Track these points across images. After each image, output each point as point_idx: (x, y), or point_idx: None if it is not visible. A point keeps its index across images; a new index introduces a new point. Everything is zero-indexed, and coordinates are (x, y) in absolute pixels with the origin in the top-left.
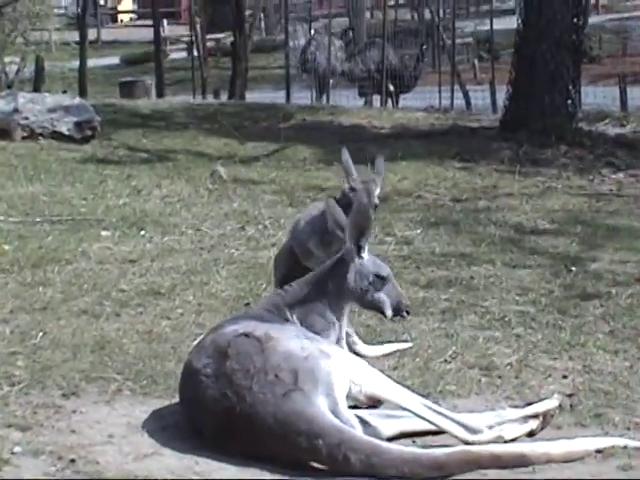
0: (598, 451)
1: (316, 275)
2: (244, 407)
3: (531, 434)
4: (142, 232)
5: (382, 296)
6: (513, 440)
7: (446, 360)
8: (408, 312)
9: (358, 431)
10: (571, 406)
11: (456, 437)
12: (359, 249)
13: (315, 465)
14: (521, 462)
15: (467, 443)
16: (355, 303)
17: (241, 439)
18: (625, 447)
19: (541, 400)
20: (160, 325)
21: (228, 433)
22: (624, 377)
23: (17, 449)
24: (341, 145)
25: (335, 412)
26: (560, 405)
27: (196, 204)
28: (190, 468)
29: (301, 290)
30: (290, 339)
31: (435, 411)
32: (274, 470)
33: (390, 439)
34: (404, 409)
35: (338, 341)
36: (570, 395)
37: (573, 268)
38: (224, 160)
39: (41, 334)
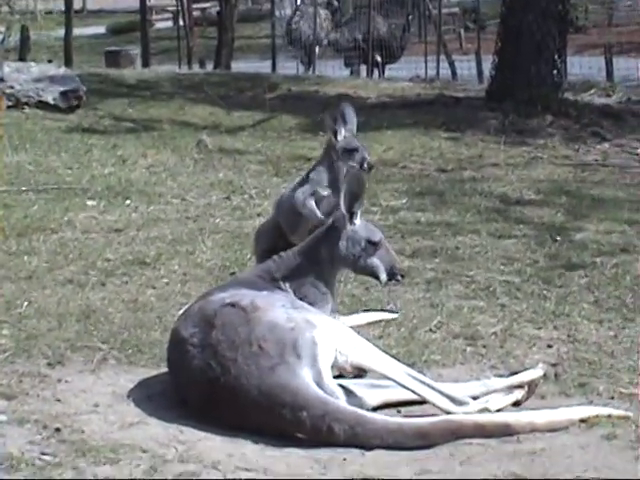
0: (582, 420)
1: (308, 243)
2: (228, 379)
3: (516, 404)
4: (127, 201)
5: (375, 261)
6: (498, 411)
7: (431, 329)
8: (403, 276)
9: (342, 402)
10: (556, 375)
11: (440, 408)
12: (351, 215)
13: (299, 436)
14: (505, 431)
15: (449, 414)
16: (348, 269)
17: (225, 410)
18: (609, 416)
19: (526, 370)
20: (145, 294)
21: (213, 404)
22: (608, 347)
23: (2, 418)
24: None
25: (319, 383)
26: (545, 374)
27: (182, 174)
28: (175, 437)
29: (294, 258)
30: (276, 309)
31: (421, 382)
32: (259, 440)
33: (375, 409)
34: (390, 379)
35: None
36: (555, 364)
37: (558, 238)
38: (210, 130)
39: (26, 303)
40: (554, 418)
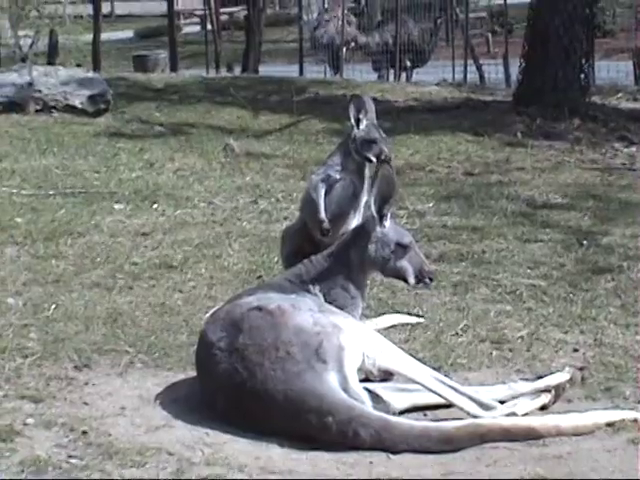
0: (609, 424)
1: (338, 246)
2: (255, 383)
3: (543, 408)
4: (155, 205)
5: (405, 264)
6: (525, 415)
7: (457, 333)
8: (431, 279)
9: (368, 406)
10: (582, 379)
11: (467, 412)
12: (381, 218)
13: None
14: (531, 435)
15: (476, 418)
16: (377, 272)
17: (252, 414)
18: (635, 420)
19: (552, 373)
20: (172, 298)
21: (239, 408)
22: (635, 351)
23: (30, 421)
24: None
25: (346, 388)
26: (571, 378)
27: (209, 177)
28: (201, 440)
29: (324, 262)
30: (303, 313)
31: (447, 385)
32: (285, 443)
33: (402, 412)
34: (417, 383)
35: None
36: (581, 368)
37: (585, 242)
38: (237, 134)
39: (54, 307)
40: (580, 422)
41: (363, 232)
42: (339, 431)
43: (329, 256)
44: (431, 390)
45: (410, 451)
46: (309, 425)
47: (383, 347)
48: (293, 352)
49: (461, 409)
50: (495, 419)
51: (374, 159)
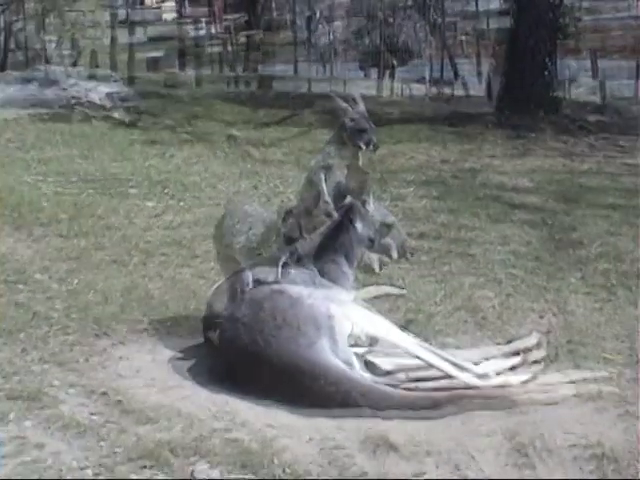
0: (574, 395)
1: (330, 226)
2: (255, 348)
3: (513, 368)
4: (166, 190)
5: (388, 241)
6: (498, 374)
7: (436, 303)
8: (412, 254)
9: (357, 370)
10: (547, 343)
11: (446, 374)
12: (363, 202)
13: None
14: (503, 393)
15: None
16: (365, 249)
17: (251, 376)
18: (594, 379)
19: (521, 338)
20: (182, 272)
21: (240, 370)
22: (594, 317)
23: (55, 382)
24: None
25: (336, 353)
26: (538, 342)
27: (214, 165)
28: (208, 399)
29: (318, 240)
30: (298, 286)
31: (427, 350)
32: (284, 403)
33: (387, 373)
34: (400, 348)
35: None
36: (546, 333)
37: (549, 221)
38: (239, 126)
39: (76, 281)
40: (545, 380)
41: (351, 213)
42: (330, 392)
43: (322, 235)
44: (412, 354)
45: (394, 408)
46: (302, 386)
47: (370, 316)
48: (289, 321)
49: (440, 370)
50: (471, 380)
51: (364, 146)
